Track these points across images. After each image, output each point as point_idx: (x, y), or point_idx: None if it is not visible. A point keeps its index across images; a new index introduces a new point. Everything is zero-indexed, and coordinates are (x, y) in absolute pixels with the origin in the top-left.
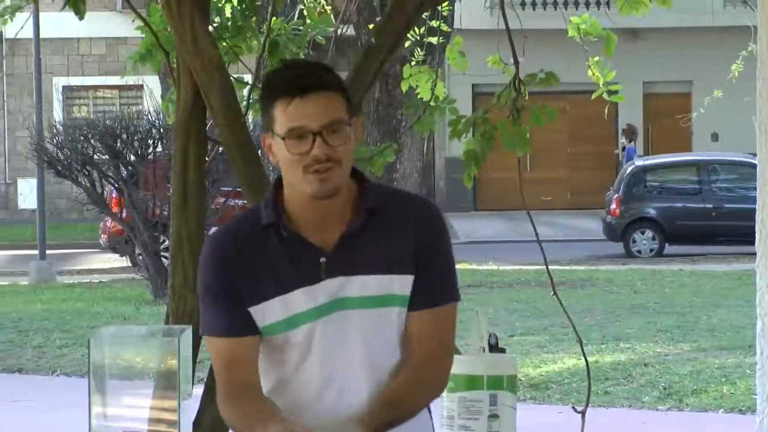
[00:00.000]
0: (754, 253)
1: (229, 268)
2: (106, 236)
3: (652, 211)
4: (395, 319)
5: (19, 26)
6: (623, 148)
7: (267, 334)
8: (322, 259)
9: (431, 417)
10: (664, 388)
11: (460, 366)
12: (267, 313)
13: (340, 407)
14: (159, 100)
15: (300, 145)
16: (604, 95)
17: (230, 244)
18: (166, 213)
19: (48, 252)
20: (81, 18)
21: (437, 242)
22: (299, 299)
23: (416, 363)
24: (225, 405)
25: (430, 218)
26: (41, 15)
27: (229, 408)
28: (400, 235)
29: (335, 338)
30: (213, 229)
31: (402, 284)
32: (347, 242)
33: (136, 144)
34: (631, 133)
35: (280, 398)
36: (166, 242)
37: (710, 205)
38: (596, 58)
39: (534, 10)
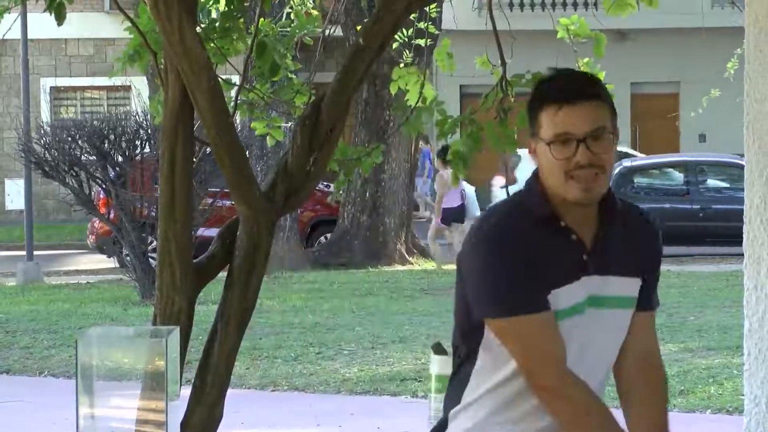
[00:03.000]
0: (742, 254)
1: (522, 248)
2: (93, 237)
3: None
4: (628, 319)
5: (7, 27)
6: (420, 151)
7: None
8: (585, 256)
9: None
10: None
11: (448, 367)
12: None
13: None
14: (146, 101)
15: (564, 150)
16: None
17: (511, 231)
18: (153, 214)
19: (35, 253)
20: (60, 24)
21: (661, 253)
22: (565, 295)
23: (662, 380)
24: (566, 405)
25: (658, 229)
26: (29, 16)
27: (573, 409)
28: (640, 241)
29: (588, 336)
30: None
31: (634, 288)
32: (602, 243)
33: (123, 145)
34: (427, 137)
35: (509, 380)
36: (154, 243)
37: (698, 206)
38: (586, 59)
39: (522, 11)
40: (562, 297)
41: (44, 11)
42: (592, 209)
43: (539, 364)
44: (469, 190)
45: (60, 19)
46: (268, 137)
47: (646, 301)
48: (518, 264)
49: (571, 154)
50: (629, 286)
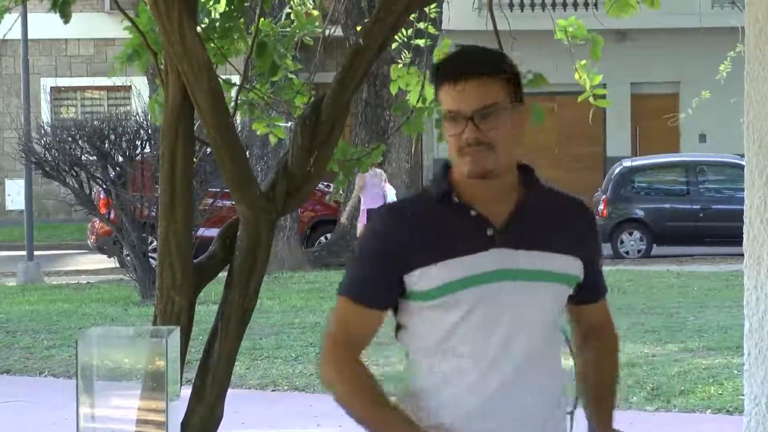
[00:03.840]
0: (742, 254)
1: (388, 240)
2: (93, 237)
3: (639, 212)
4: (554, 294)
5: (7, 27)
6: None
7: (429, 299)
8: (490, 231)
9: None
10: (652, 389)
11: None
12: (431, 277)
13: (493, 376)
14: (147, 101)
15: (454, 127)
16: (591, 99)
17: (396, 216)
18: (153, 214)
19: (36, 253)
20: (66, 22)
21: (598, 238)
22: (465, 265)
23: (613, 345)
24: (332, 372)
25: (592, 214)
26: (29, 16)
27: (336, 377)
28: (566, 220)
29: (500, 306)
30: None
31: (564, 264)
32: (516, 218)
33: (123, 145)
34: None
35: (431, 362)
36: (154, 243)
37: (698, 206)
38: (583, 62)
39: (522, 11)
40: (459, 267)
41: (48, 11)
42: (507, 186)
43: (332, 340)
44: (390, 192)
45: (65, 17)
46: (270, 136)
47: (592, 292)
48: (379, 254)
49: (460, 130)
50: (555, 262)
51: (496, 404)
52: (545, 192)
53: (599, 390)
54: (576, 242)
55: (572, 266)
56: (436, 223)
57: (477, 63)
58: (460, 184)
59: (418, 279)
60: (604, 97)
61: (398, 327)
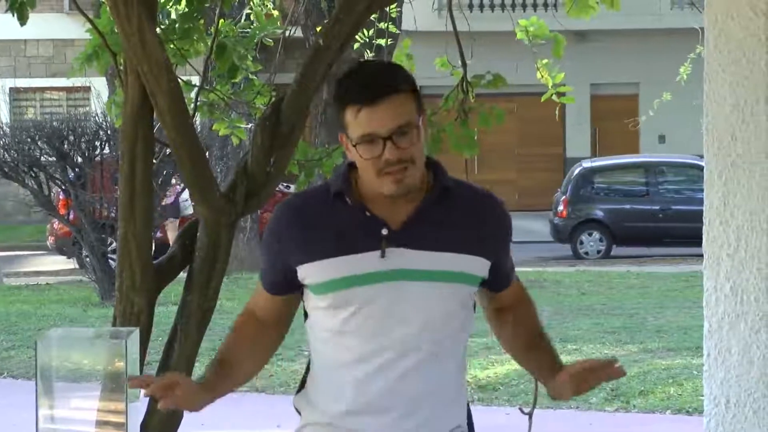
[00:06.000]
0: (701, 255)
1: (283, 232)
2: (53, 238)
3: (599, 213)
4: (450, 294)
5: None
6: None
7: (318, 293)
8: (384, 231)
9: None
10: (612, 390)
11: None
12: (317, 273)
13: (391, 372)
14: (106, 101)
15: (372, 150)
16: (554, 97)
17: (292, 209)
18: (113, 215)
19: None
20: (23, 24)
21: (509, 229)
22: (359, 263)
23: (528, 309)
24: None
25: (501, 208)
26: None
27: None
28: (470, 218)
29: (390, 306)
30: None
31: (466, 264)
32: (416, 217)
33: (83, 146)
34: None
35: (325, 351)
36: (114, 244)
37: (657, 207)
38: (545, 61)
39: (482, 12)
40: (344, 265)
41: (6, 11)
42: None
43: (245, 307)
44: None
45: (22, 19)
46: (232, 137)
47: (502, 283)
48: (272, 248)
49: (378, 152)
50: (455, 262)
51: (377, 403)
52: (455, 190)
53: (533, 349)
54: (483, 241)
55: (474, 266)
56: (329, 221)
57: (386, 81)
58: (361, 183)
59: (306, 273)
60: (566, 94)
61: (305, 314)
